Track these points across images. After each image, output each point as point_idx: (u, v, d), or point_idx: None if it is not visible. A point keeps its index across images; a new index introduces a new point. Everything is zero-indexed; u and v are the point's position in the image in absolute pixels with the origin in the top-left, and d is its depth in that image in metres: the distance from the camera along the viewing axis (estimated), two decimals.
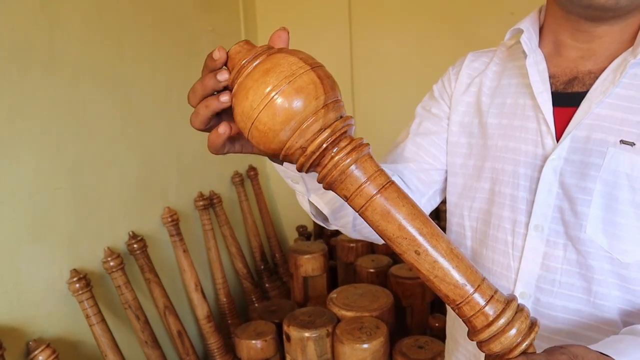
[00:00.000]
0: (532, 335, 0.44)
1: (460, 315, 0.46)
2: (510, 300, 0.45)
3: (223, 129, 0.48)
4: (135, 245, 1.47)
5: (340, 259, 1.90)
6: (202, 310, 1.69)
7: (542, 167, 0.65)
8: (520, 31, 0.71)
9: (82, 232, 1.31)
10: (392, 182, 0.47)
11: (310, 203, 0.68)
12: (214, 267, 1.89)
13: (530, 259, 0.66)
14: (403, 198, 0.46)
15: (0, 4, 1.08)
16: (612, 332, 0.61)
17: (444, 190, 0.81)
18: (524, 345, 0.44)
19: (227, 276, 1.95)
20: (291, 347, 1.34)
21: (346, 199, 0.47)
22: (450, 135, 0.78)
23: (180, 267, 1.69)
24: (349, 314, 1.38)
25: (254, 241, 2.22)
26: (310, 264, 1.74)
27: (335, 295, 1.48)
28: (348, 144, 0.45)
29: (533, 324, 0.45)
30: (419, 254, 0.45)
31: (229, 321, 1.89)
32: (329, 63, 0.51)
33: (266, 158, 0.56)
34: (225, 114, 0.49)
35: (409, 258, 0.46)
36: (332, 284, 1.87)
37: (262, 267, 2.21)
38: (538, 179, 0.65)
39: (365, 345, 1.23)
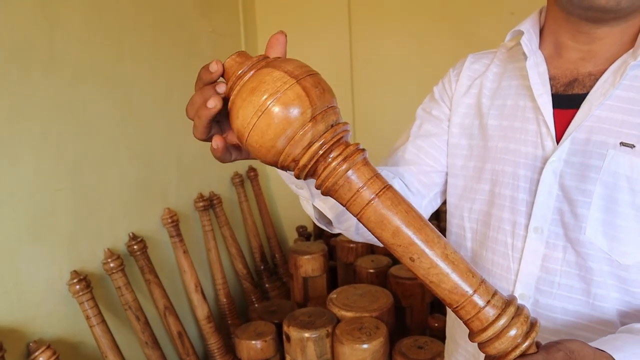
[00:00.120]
0: (532, 336, 0.44)
1: (460, 317, 0.46)
2: (510, 301, 0.45)
3: (216, 143, 0.49)
4: (135, 247, 1.47)
5: (340, 259, 1.90)
6: (202, 311, 1.69)
7: (542, 169, 0.65)
8: (521, 33, 0.71)
9: (82, 233, 1.31)
10: (388, 188, 0.47)
11: (315, 208, 0.68)
12: (214, 268, 1.89)
13: (530, 260, 0.66)
14: (397, 205, 0.46)
15: (0, 4, 1.08)
16: (611, 333, 0.61)
17: (445, 192, 0.81)
18: (524, 346, 0.43)
19: (227, 277, 1.95)
20: (291, 348, 1.34)
21: (344, 205, 0.47)
22: (451, 137, 0.78)
23: (180, 268, 1.69)
24: (349, 314, 1.38)
25: (254, 242, 2.22)
26: (310, 265, 1.75)
27: (335, 296, 1.48)
28: (340, 154, 0.45)
29: (533, 325, 0.45)
30: (413, 261, 0.46)
31: (229, 322, 1.89)
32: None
33: None
34: (226, 121, 0.49)
35: (405, 263, 0.47)
36: (332, 284, 1.87)
37: (262, 267, 2.21)
38: (538, 180, 0.65)
39: (365, 346, 1.23)
